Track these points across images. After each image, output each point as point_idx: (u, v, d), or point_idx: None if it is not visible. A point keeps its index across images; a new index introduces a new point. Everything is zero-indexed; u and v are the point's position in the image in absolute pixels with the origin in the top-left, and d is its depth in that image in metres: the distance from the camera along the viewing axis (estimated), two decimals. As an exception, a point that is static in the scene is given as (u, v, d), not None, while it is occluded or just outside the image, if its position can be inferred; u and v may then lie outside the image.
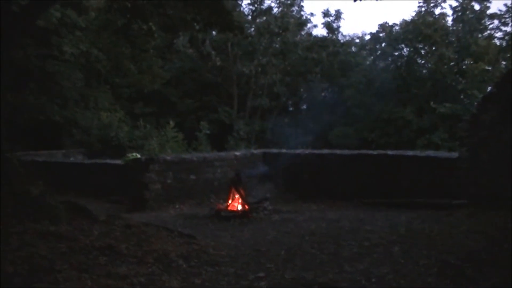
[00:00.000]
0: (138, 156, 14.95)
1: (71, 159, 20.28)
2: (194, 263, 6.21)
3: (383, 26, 37.80)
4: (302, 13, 40.18)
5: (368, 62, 39.70)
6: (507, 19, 33.20)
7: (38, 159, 17.52)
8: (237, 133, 32.57)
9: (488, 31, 34.72)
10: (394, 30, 37.43)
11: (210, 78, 36.33)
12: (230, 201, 10.87)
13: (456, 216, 8.92)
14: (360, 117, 34.86)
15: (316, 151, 14.88)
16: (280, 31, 36.43)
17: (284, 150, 15.48)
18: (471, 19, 33.92)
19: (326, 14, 40.06)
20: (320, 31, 65.19)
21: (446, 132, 29.88)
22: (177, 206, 12.26)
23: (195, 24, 10.37)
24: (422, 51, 35.90)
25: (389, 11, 70.79)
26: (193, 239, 7.59)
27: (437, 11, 35.99)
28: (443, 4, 35.53)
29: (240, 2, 38.42)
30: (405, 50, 36.36)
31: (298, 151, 15.17)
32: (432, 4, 35.67)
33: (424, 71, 35.22)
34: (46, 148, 20.92)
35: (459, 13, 34.28)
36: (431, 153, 13.30)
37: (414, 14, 36.45)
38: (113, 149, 21.78)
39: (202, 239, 7.74)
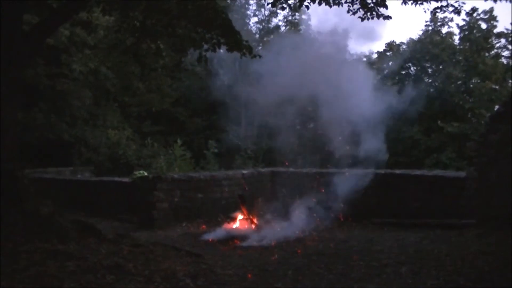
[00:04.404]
0: (145, 174, 14.93)
1: (79, 176, 20.26)
2: (201, 282, 6.18)
3: (390, 45, 37.78)
4: (309, 32, 40.18)
5: (375, 81, 39.64)
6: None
7: (46, 176, 17.52)
8: (245, 152, 32.47)
9: (495, 50, 34.57)
10: (401, 49, 37.43)
11: (218, 97, 36.33)
12: (237, 221, 10.88)
13: (466, 236, 8.87)
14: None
15: (323, 170, 14.85)
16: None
17: (291, 169, 15.49)
18: (478, 38, 33.83)
19: (333, 33, 39.97)
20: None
21: (454, 151, 29.71)
22: (184, 225, 12.25)
23: (204, 43, 10.39)
24: (429, 70, 35.84)
25: (396, 30, 70.83)
26: (201, 258, 7.58)
27: (444, 30, 35.95)
28: (450, 23, 35.51)
29: (247, 21, 38.55)
30: (412, 69, 36.33)
31: (306, 170, 15.15)
32: (439, 23, 35.69)
33: (432, 90, 35.08)
34: (55, 166, 20.93)
35: (466, 32, 34.24)
36: (439, 172, 13.23)
37: (421, 33, 36.52)
38: (121, 167, 21.77)
39: (210, 258, 7.73)
